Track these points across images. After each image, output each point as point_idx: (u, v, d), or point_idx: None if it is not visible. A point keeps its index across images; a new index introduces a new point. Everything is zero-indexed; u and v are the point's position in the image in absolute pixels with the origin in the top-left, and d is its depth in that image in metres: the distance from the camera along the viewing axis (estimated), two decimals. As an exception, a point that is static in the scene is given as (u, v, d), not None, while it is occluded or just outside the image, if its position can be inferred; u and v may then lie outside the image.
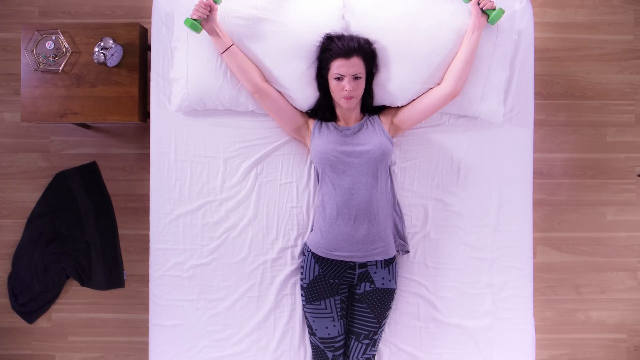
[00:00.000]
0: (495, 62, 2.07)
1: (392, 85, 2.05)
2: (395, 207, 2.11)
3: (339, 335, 2.03)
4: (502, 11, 1.98)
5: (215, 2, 1.94)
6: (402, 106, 2.09)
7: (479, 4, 1.98)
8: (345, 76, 1.92)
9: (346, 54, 1.92)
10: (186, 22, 1.92)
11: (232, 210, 2.12)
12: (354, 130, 2.03)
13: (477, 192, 2.15)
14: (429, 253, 2.14)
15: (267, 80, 2.04)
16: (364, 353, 2.03)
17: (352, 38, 1.97)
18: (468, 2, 2.01)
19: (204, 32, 1.98)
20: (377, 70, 2.05)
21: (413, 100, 2.07)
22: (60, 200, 2.67)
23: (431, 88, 2.05)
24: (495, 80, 2.08)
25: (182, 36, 2.06)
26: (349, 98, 1.94)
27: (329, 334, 2.01)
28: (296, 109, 2.09)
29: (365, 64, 1.97)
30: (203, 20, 1.94)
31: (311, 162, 2.14)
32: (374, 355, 2.06)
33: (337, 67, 1.92)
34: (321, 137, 2.02)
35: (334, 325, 2.02)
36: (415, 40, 2.02)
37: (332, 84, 1.96)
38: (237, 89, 2.05)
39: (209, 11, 1.93)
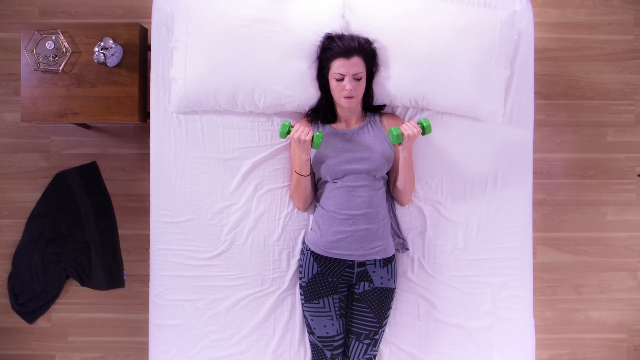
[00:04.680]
0: (496, 62, 2.07)
1: (392, 84, 2.05)
2: (391, 207, 2.11)
3: (337, 335, 2.03)
4: (426, 120, 1.94)
5: (283, 133, 1.92)
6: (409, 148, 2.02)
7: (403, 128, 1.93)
8: (346, 76, 1.92)
9: (347, 53, 1.92)
10: (315, 146, 1.91)
11: (232, 210, 2.12)
12: (354, 134, 2.03)
13: (476, 192, 2.15)
14: (428, 253, 2.14)
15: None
16: (364, 353, 2.03)
17: (352, 37, 1.97)
18: (400, 142, 1.93)
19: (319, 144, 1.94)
20: (377, 69, 2.05)
21: (410, 164, 2.03)
22: (60, 200, 2.67)
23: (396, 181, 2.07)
24: (495, 80, 2.08)
25: (181, 36, 2.06)
26: (349, 98, 1.94)
27: (327, 333, 2.01)
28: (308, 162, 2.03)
29: (366, 64, 1.97)
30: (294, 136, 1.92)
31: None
32: (374, 356, 2.06)
33: (338, 66, 1.92)
34: (321, 146, 2.02)
35: (332, 324, 2.02)
36: (415, 40, 2.02)
37: (333, 83, 1.96)
38: (235, 90, 2.05)
39: (309, 129, 1.93)
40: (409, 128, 1.92)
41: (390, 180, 2.11)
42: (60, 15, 2.71)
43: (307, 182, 2.03)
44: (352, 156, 1.98)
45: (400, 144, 1.95)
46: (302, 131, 1.90)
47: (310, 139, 1.91)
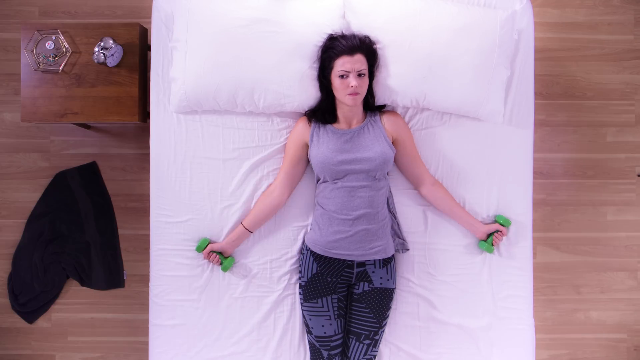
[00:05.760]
0: (496, 62, 2.06)
1: (392, 84, 2.05)
2: (391, 207, 2.11)
3: (335, 335, 2.03)
4: (492, 250, 2.10)
5: (198, 251, 2.08)
6: (411, 139, 2.08)
7: (497, 231, 2.10)
8: (350, 72, 1.92)
9: (350, 51, 1.92)
10: (224, 269, 2.07)
11: (232, 210, 2.12)
12: (354, 134, 2.03)
13: (477, 192, 2.15)
14: (428, 253, 2.14)
15: (273, 185, 2.09)
16: (364, 354, 2.03)
17: (354, 36, 1.98)
18: (499, 222, 2.12)
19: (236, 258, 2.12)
20: (378, 69, 2.05)
21: (417, 156, 2.10)
22: (60, 200, 2.67)
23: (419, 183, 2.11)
24: (496, 81, 2.08)
25: (181, 36, 2.06)
26: (354, 95, 1.94)
27: (325, 333, 2.01)
28: (293, 148, 2.07)
29: (368, 61, 1.97)
30: (224, 255, 2.09)
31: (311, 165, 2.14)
32: (374, 356, 2.06)
33: (342, 64, 1.92)
34: (320, 146, 2.01)
35: (330, 324, 2.02)
36: (416, 40, 2.02)
37: (336, 82, 1.95)
38: (234, 91, 2.05)
39: (217, 256, 2.07)
40: (498, 240, 2.10)
41: (402, 172, 2.12)
42: (60, 15, 2.71)
43: (255, 224, 2.10)
44: (352, 156, 1.98)
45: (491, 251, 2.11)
46: (212, 259, 2.07)
47: (219, 263, 2.08)
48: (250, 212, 2.08)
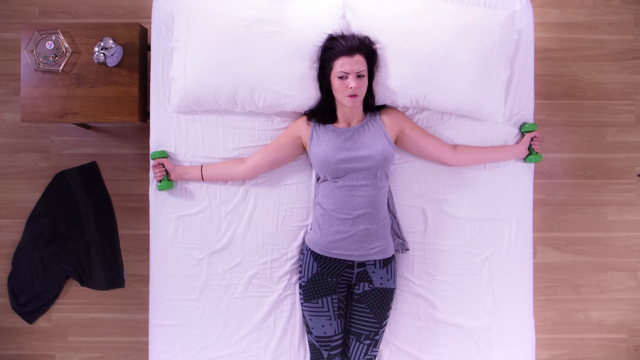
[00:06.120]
0: (496, 62, 2.06)
1: (392, 84, 2.05)
2: (391, 207, 2.11)
3: (335, 335, 2.03)
4: (540, 158, 2.15)
5: (152, 158, 2.10)
6: (414, 125, 2.09)
7: (532, 140, 2.15)
8: (349, 73, 1.92)
9: (349, 51, 1.92)
10: (160, 188, 2.09)
11: (232, 210, 2.12)
12: (354, 132, 2.02)
13: (476, 192, 2.15)
14: (428, 253, 2.14)
15: (249, 157, 2.11)
16: (365, 354, 2.03)
17: (354, 36, 1.98)
18: (526, 132, 2.16)
19: (179, 182, 2.13)
20: (378, 69, 2.05)
21: (427, 133, 2.11)
22: (60, 200, 2.67)
23: (443, 143, 2.12)
24: (496, 81, 2.08)
25: (181, 36, 2.06)
26: (353, 96, 1.94)
27: (325, 333, 2.01)
28: (287, 139, 2.08)
29: (367, 62, 1.97)
30: (169, 176, 2.10)
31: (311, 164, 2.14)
32: (375, 356, 2.06)
33: (341, 65, 1.92)
34: (320, 144, 2.01)
35: (330, 324, 2.02)
36: (416, 41, 2.02)
37: (336, 83, 1.95)
38: (235, 90, 2.05)
39: (163, 166, 2.09)
40: (537, 145, 2.18)
41: (424, 156, 2.13)
42: (60, 15, 2.71)
43: (211, 172, 2.11)
44: (352, 155, 1.98)
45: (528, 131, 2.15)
46: (157, 172, 2.10)
47: (159, 180, 2.10)
48: (215, 164, 2.11)
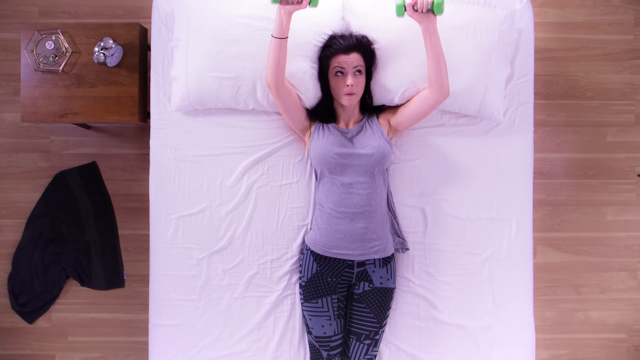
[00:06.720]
0: (496, 61, 2.06)
1: (391, 85, 2.05)
2: (390, 206, 2.11)
3: (335, 335, 2.03)
4: (439, 2, 1.77)
5: (310, 4, 1.82)
6: (398, 107, 2.08)
7: (415, 10, 1.82)
8: (346, 69, 1.92)
9: (346, 50, 1.93)
10: (314, 3, 1.81)
11: (233, 210, 2.12)
12: (353, 133, 2.03)
13: (476, 192, 2.15)
14: (428, 253, 2.14)
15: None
16: (365, 354, 2.03)
17: (351, 35, 2.00)
18: (402, 15, 1.83)
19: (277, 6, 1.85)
20: (375, 68, 2.05)
21: (408, 101, 2.04)
22: (60, 200, 2.67)
23: (424, 89, 1.99)
24: (496, 80, 2.08)
25: (182, 35, 2.06)
26: (350, 94, 1.94)
27: (325, 333, 2.01)
28: (304, 110, 2.08)
29: (365, 60, 1.97)
30: (286, 3, 1.82)
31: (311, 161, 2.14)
32: (375, 356, 2.06)
33: (338, 62, 1.94)
34: (320, 139, 2.02)
35: (330, 324, 2.02)
36: (415, 40, 2.01)
37: (333, 81, 1.96)
38: (237, 87, 2.05)
39: (299, 2, 1.82)
40: None
41: (425, 112, 2.01)
42: (60, 15, 2.71)
43: (283, 47, 1.88)
44: (350, 151, 1.98)
45: (402, 16, 1.84)
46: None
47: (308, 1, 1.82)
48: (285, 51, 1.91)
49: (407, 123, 2.05)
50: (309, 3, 1.82)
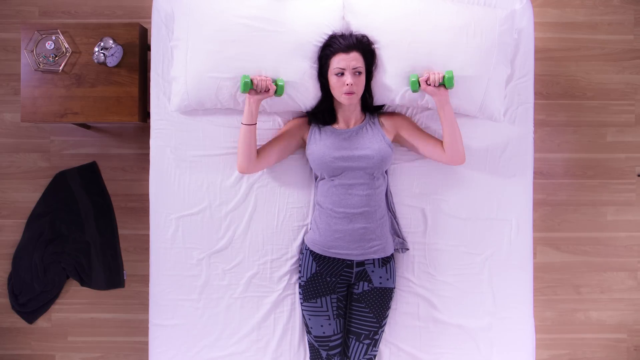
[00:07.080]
0: (496, 61, 2.06)
1: (391, 84, 2.05)
2: (390, 206, 2.11)
3: (334, 335, 2.03)
4: (451, 72, 1.94)
5: (276, 94, 1.97)
6: (412, 126, 2.08)
7: (429, 85, 1.94)
8: (346, 70, 1.92)
9: (346, 49, 1.93)
10: (245, 76, 1.94)
11: (232, 210, 2.12)
12: (353, 133, 2.03)
13: (476, 192, 2.15)
14: (428, 253, 2.14)
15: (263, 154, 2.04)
16: (365, 354, 2.03)
17: (351, 34, 2.00)
18: (417, 90, 1.97)
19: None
20: (376, 68, 2.05)
21: (425, 133, 2.08)
22: (60, 200, 2.67)
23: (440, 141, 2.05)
24: (496, 80, 2.08)
25: (182, 35, 2.06)
26: (350, 94, 1.94)
27: (324, 333, 2.01)
28: (291, 128, 2.08)
29: (365, 60, 1.98)
30: (253, 90, 1.95)
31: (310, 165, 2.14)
32: (374, 356, 2.06)
33: (337, 61, 1.93)
34: (318, 143, 2.02)
35: (329, 324, 2.02)
36: (415, 40, 2.02)
37: (333, 80, 1.96)
38: (236, 88, 2.05)
39: (266, 92, 1.95)
40: (428, 73, 1.95)
41: (425, 155, 2.07)
42: (60, 15, 2.71)
43: (252, 133, 1.98)
44: (349, 154, 1.98)
45: (416, 91, 1.98)
46: (266, 81, 1.93)
47: (275, 87, 1.95)
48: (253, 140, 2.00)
49: (411, 149, 2.09)
50: (275, 92, 1.97)
